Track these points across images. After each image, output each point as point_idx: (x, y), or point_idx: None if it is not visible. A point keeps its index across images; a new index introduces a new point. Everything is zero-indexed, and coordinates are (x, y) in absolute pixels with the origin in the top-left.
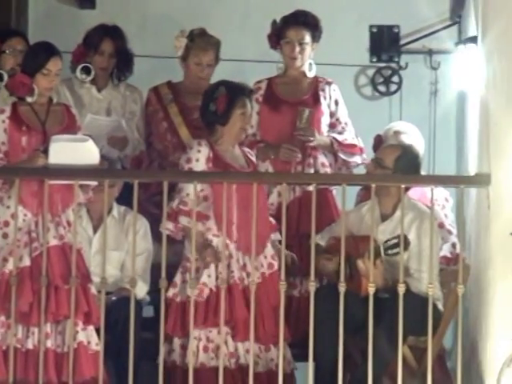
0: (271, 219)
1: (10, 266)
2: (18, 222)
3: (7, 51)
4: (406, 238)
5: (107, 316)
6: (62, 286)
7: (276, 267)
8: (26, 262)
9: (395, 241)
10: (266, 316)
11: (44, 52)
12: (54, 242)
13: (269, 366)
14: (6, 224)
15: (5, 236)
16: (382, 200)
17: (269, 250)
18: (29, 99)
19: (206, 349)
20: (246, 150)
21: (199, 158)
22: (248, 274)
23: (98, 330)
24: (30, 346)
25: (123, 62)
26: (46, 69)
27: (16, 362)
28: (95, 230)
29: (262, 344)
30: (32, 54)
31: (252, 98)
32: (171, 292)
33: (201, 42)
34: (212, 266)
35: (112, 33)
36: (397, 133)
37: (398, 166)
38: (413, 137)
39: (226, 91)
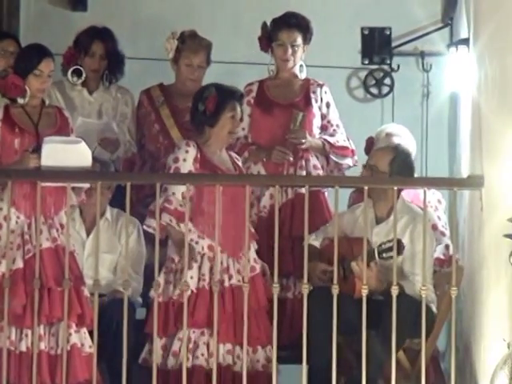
0: (251, 228)
1: (2, 268)
2: (10, 224)
3: None
4: (400, 242)
5: (101, 318)
6: (54, 288)
7: (258, 270)
8: (19, 264)
9: (389, 244)
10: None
11: (36, 53)
12: (46, 244)
13: (254, 367)
14: None
15: None
16: (377, 203)
17: (252, 253)
18: (20, 101)
19: (188, 350)
20: (234, 154)
21: (186, 158)
22: (230, 277)
23: (91, 333)
24: (23, 348)
25: (114, 64)
26: (38, 70)
27: (9, 364)
28: (88, 232)
29: (250, 346)
30: (24, 56)
31: (242, 102)
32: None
33: (191, 43)
34: (195, 268)
35: (102, 35)
36: (389, 135)
37: (393, 168)
38: (405, 139)
39: (217, 92)
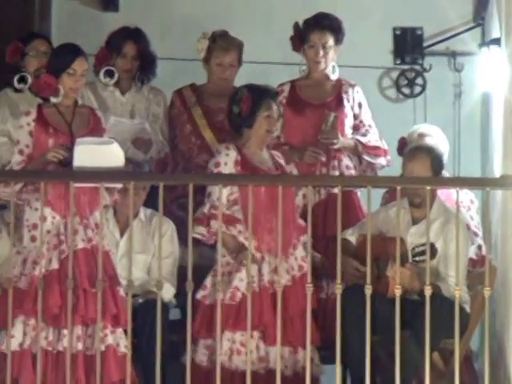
0: (301, 221)
1: (39, 268)
2: (46, 224)
3: (30, 53)
4: (433, 246)
5: (135, 319)
6: (89, 289)
7: (306, 269)
8: (55, 265)
9: (423, 248)
10: (295, 319)
11: (70, 52)
12: (82, 244)
13: (295, 368)
14: (35, 227)
15: (33, 239)
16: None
17: (299, 251)
18: (54, 100)
19: (238, 351)
20: (275, 153)
21: (227, 161)
22: None
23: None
24: (60, 348)
25: (146, 65)
26: (72, 69)
27: (47, 364)
28: (122, 233)
29: (292, 347)
30: (58, 55)
31: (277, 100)
32: (200, 294)
33: (222, 42)
34: (244, 270)
35: (134, 35)
36: (421, 135)
37: (435, 169)
38: (437, 139)
39: (250, 93)
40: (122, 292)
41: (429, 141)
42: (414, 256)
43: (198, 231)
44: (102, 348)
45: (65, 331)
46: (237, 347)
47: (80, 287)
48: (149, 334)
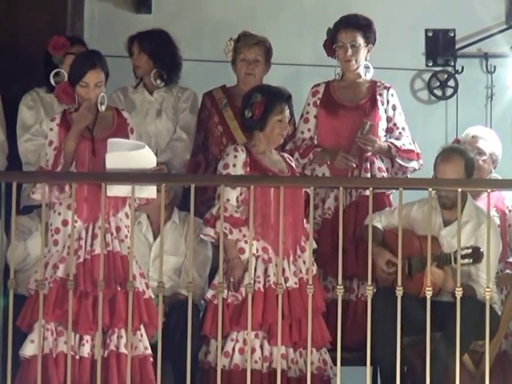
0: (307, 226)
1: (60, 273)
2: (68, 228)
3: (72, 53)
4: (479, 250)
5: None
6: (105, 294)
7: (314, 272)
8: (73, 270)
9: (467, 251)
10: (303, 320)
11: (82, 65)
12: (99, 250)
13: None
14: (57, 231)
15: (55, 243)
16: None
17: (307, 254)
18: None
19: (241, 351)
20: (286, 155)
21: (236, 163)
22: (286, 279)
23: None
24: (85, 354)
25: (160, 63)
26: (84, 82)
27: (66, 368)
28: (155, 235)
29: (299, 348)
30: (74, 65)
31: (291, 103)
32: (210, 294)
33: (245, 39)
34: (249, 270)
35: (139, 36)
36: (474, 137)
37: (468, 172)
38: (490, 141)
39: (263, 97)
40: (146, 296)
41: (482, 143)
42: (457, 259)
43: (205, 232)
44: (123, 350)
45: (87, 337)
46: (240, 346)
47: (91, 293)
48: (180, 335)
